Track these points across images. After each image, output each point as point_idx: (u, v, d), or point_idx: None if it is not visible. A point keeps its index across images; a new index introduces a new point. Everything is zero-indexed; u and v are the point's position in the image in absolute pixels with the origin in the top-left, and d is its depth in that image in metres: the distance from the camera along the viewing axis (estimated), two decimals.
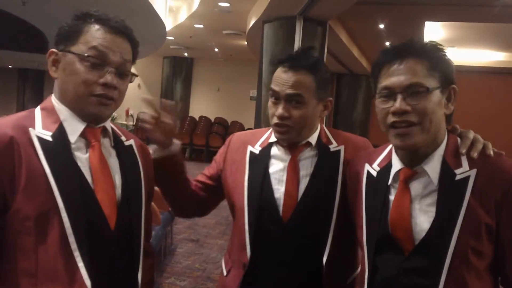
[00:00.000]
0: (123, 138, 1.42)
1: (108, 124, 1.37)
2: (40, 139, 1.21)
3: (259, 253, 1.58)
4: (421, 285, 1.26)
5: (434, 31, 9.00)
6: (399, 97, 1.26)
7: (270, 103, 1.61)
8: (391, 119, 1.29)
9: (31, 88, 18.78)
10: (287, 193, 1.57)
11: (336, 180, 1.58)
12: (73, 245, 1.17)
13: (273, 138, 1.66)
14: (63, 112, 1.28)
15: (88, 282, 1.17)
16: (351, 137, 1.72)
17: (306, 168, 1.61)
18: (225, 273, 1.68)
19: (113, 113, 1.40)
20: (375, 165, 1.45)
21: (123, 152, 1.38)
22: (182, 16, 10.12)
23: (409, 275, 1.29)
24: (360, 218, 1.43)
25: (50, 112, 1.28)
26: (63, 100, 1.29)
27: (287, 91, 1.55)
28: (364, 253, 1.40)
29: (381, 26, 8.38)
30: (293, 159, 1.61)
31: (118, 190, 1.31)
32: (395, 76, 1.28)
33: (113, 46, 1.26)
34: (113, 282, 1.27)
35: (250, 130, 1.89)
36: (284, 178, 1.59)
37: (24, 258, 1.17)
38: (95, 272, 1.20)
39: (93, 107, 1.26)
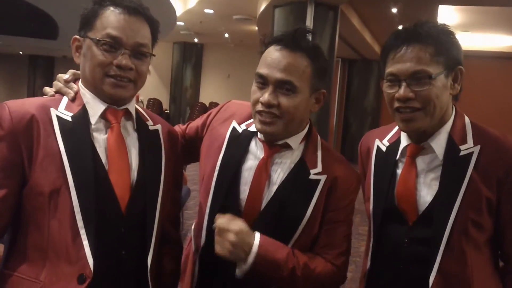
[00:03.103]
0: (149, 122, 1.43)
1: (132, 107, 1.37)
2: (60, 119, 1.25)
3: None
4: (422, 254, 1.33)
5: (447, 15, 8.86)
6: (403, 84, 1.31)
7: (254, 87, 1.39)
8: (396, 104, 1.34)
9: (42, 75, 18.92)
10: (249, 199, 1.39)
11: (308, 206, 1.38)
12: (80, 223, 1.20)
13: (254, 126, 1.43)
14: (86, 95, 1.31)
15: (91, 260, 1.20)
16: (346, 168, 1.45)
17: (278, 174, 1.40)
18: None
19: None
20: (385, 140, 1.50)
21: (145, 136, 1.38)
22: (192, 1, 10.06)
23: (412, 245, 1.36)
24: (368, 190, 1.49)
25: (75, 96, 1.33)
26: (85, 83, 1.32)
27: (277, 75, 1.33)
28: (371, 224, 1.47)
29: (394, 10, 8.26)
30: (264, 159, 1.40)
31: (134, 173, 1.32)
32: (400, 63, 1.32)
33: (128, 27, 1.27)
34: (119, 264, 1.28)
35: (247, 103, 1.56)
36: (250, 180, 1.40)
37: (37, 232, 1.21)
38: (100, 252, 1.21)
39: (109, 88, 1.27)
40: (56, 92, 1.35)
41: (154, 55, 1.36)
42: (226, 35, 13.69)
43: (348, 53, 12.75)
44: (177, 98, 16.25)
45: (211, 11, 10.45)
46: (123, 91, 1.29)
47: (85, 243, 1.20)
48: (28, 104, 1.25)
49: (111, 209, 1.26)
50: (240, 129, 1.49)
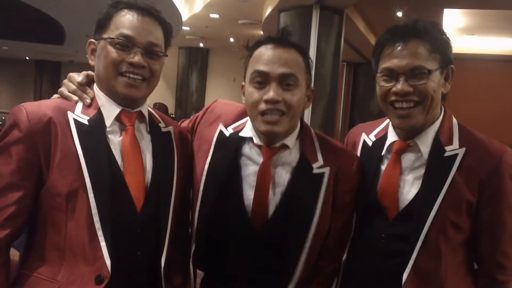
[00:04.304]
0: (161, 124, 1.45)
1: (145, 109, 1.39)
2: (77, 122, 1.27)
3: (217, 259, 1.43)
4: (398, 250, 1.35)
5: (453, 19, 8.83)
6: (401, 79, 1.30)
7: (250, 89, 1.35)
8: (392, 97, 1.33)
9: (48, 80, 18.99)
10: (255, 204, 1.38)
11: (316, 201, 1.39)
12: (97, 224, 1.22)
13: (247, 131, 1.42)
14: (101, 98, 1.34)
15: (108, 261, 1.21)
16: (345, 153, 1.48)
17: (281, 175, 1.39)
18: None
19: None
20: (371, 135, 1.50)
21: (158, 138, 1.40)
22: (198, 6, 10.09)
23: (389, 240, 1.37)
24: None
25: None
26: (99, 85, 1.35)
27: (280, 69, 1.32)
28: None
29: (399, 13, 8.25)
30: (265, 163, 1.38)
31: (148, 175, 1.34)
32: (398, 58, 1.31)
33: (140, 27, 1.30)
34: (135, 264, 1.30)
35: (234, 103, 1.59)
36: (253, 185, 1.39)
37: (54, 232, 1.24)
38: (117, 252, 1.24)
39: (122, 87, 1.29)
40: (71, 93, 1.34)
41: (167, 55, 1.38)
42: (232, 39, 13.71)
43: (354, 56, 12.73)
44: (183, 102, 16.27)
45: (216, 15, 10.47)
46: (136, 91, 1.31)
47: (103, 244, 1.22)
48: (45, 106, 1.27)
49: (127, 210, 1.29)
50: (227, 132, 1.45)
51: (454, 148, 1.34)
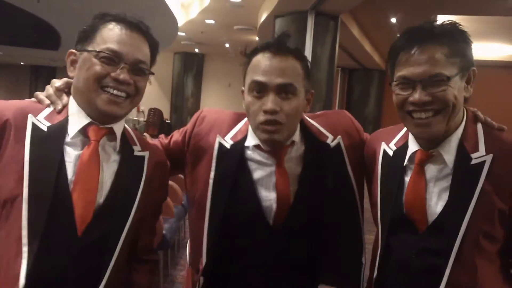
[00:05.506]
0: (136, 147, 1.36)
1: (118, 127, 1.30)
2: (34, 127, 1.20)
3: (237, 262, 1.42)
4: (432, 266, 1.27)
5: None
6: (418, 87, 1.23)
7: (250, 99, 1.35)
8: (409, 107, 1.26)
9: (44, 85, 18.04)
10: (279, 200, 1.38)
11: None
12: (24, 239, 1.12)
13: (251, 141, 1.41)
14: (72, 107, 1.27)
15: (22, 281, 1.11)
16: (327, 116, 1.57)
17: (293, 168, 1.42)
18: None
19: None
20: (391, 144, 1.43)
21: (127, 160, 1.31)
22: (194, 12, 10.12)
23: (421, 256, 1.29)
24: (375, 196, 1.42)
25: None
26: (75, 95, 1.28)
27: (277, 80, 1.31)
28: (378, 231, 1.40)
29: (393, 20, 8.31)
30: (280, 164, 1.40)
31: (102, 196, 1.23)
32: (414, 65, 1.23)
33: (129, 43, 1.25)
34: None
35: (222, 110, 1.56)
36: (272, 184, 1.39)
37: None
38: (39, 273, 1.12)
39: (104, 103, 1.22)
40: (45, 97, 1.30)
41: (153, 73, 1.32)
42: (227, 45, 13.75)
43: (349, 62, 12.80)
44: (179, 108, 16.28)
45: (212, 21, 10.50)
46: (118, 108, 1.24)
47: (24, 262, 1.11)
48: (8, 107, 1.21)
49: (65, 230, 1.17)
50: (227, 143, 1.43)
51: (480, 155, 1.25)
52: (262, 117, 1.32)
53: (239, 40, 12.85)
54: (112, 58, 1.22)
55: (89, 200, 1.20)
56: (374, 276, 1.41)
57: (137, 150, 1.35)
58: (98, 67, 1.21)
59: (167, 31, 9.55)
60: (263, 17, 8.08)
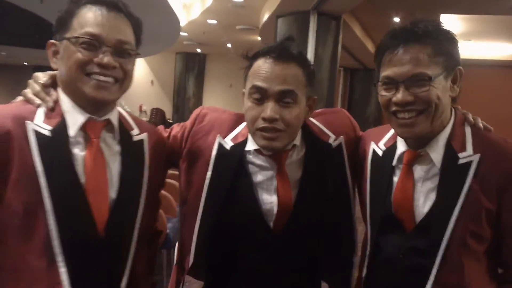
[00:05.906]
0: (134, 131, 1.33)
1: (115, 116, 1.27)
2: (37, 134, 1.14)
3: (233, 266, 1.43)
4: (419, 265, 1.28)
5: (450, 24, 8.88)
6: (401, 88, 1.24)
7: (250, 104, 1.33)
8: (393, 107, 1.27)
9: None
10: (280, 204, 1.37)
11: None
12: (57, 249, 1.12)
13: (251, 145, 1.40)
14: (66, 103, 1.21)
15: None
16: (343, 120, 1.55)
17: (294, 172, 1.40)
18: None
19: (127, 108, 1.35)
20: (381, 144, 1.44)
21: (128, 148, 1.29)
22: (196, 12, 10.12)
23: (409, 255, 1.31)
24: (364, 195, 1.44)
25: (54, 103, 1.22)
26: (64, 89, 1.22)
27: (278, 87, 1.29)
28: (368, 231, 1.42)
29: (396, 19, 8.29)
30: (281, 168, 1.38)
31: (113, 192, 1.23)
32: (398, 66, 1.24)
33: (107, 24, 1.17)
34: (95, 286, 1.21)
35: (223, 110, 1.55)
36: (273, 188, 1.38)
37: (5, 255, 1.13)
38: (77, 276, 1.14)
39: (91, 89, 1.17)
40: (34, 95, 1.23)
41: (139, 54, 1.26)
42: (229, 45, 13.75)
43: (351, 62, 12.79)
44: (180, 108, 16.29)
45: (214, 21, 10.51)
46: (107, 93, 1.19)
47: (63, 270, 1.12)
48: (3, 116, 1.14)
49: (88, 232, 1.17)
50: (227, 145, 1.42)
51: (468, 154, 1.26)
52: (260, 124, 1.30)
53: (241, 40, 12.86)
54: (92, 43, 1.16)
55: (103, 199, 1.20)
56: (363, 275, 1.43)
57: (135, 134, 1.33)
58: (79, 54, 1.15)
59: (169, 31, 9.55)
60: (265, 17, 8.08)
